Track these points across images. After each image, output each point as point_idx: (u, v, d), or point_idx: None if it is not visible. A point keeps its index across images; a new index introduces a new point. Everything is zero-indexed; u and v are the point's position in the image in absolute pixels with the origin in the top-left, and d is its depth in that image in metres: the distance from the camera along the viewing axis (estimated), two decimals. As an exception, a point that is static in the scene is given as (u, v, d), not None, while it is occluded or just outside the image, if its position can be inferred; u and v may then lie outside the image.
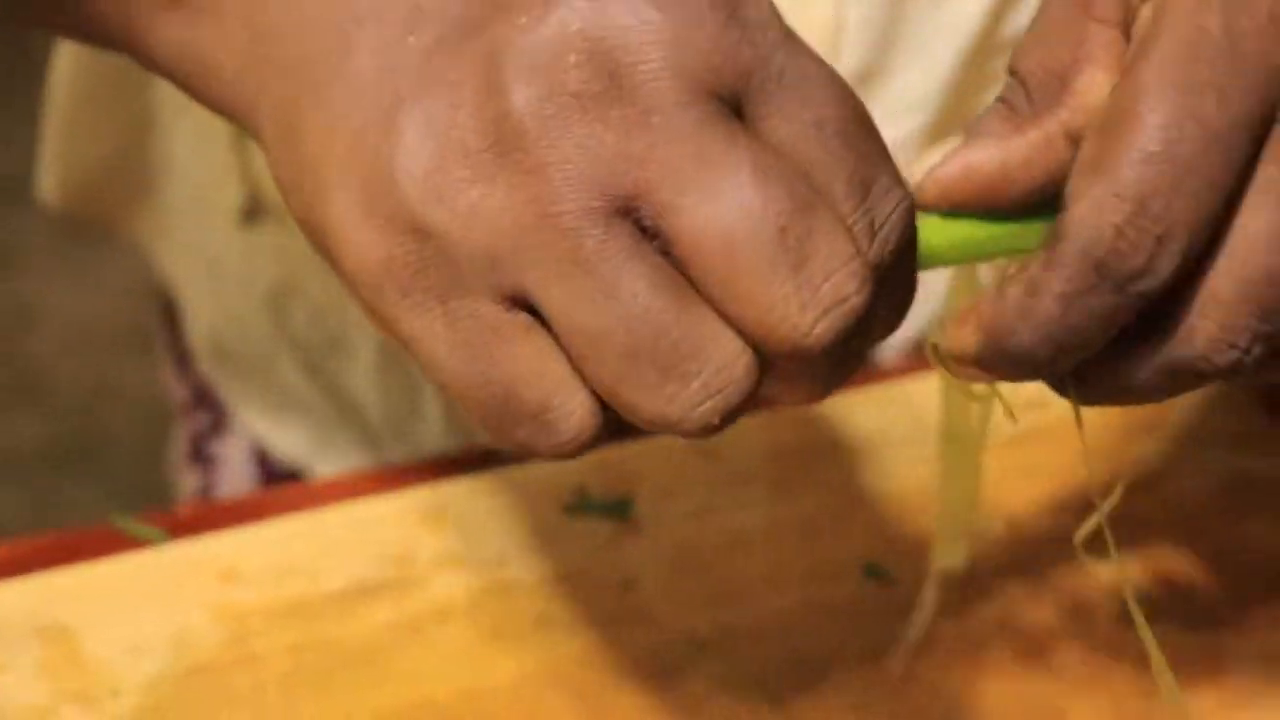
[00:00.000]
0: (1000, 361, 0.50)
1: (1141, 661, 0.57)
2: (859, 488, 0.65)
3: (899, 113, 0.72)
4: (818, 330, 0.44)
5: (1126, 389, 0.51)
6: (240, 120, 0.50)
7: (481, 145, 0.44)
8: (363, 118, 0.46)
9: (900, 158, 0.73)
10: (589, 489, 0.69)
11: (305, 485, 0.71)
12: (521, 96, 0.44)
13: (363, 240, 0.45)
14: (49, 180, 0.91)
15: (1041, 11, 0.52)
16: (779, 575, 0.67)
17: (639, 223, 0.44)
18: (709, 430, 0.45)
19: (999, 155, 0.50)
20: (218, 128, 0.81)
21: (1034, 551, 0.68)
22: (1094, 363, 0.50)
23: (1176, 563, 0.68)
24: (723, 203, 0.44)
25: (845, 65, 0.70)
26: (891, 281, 0.47)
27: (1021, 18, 0.71)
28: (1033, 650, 0.65)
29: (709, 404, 0.45)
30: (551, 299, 0.44)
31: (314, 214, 0.46)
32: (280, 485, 0.86)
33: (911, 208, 0.47)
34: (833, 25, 0.69)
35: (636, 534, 0.68)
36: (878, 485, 0.70)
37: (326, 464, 0.86)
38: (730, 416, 0.45)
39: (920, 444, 0.70)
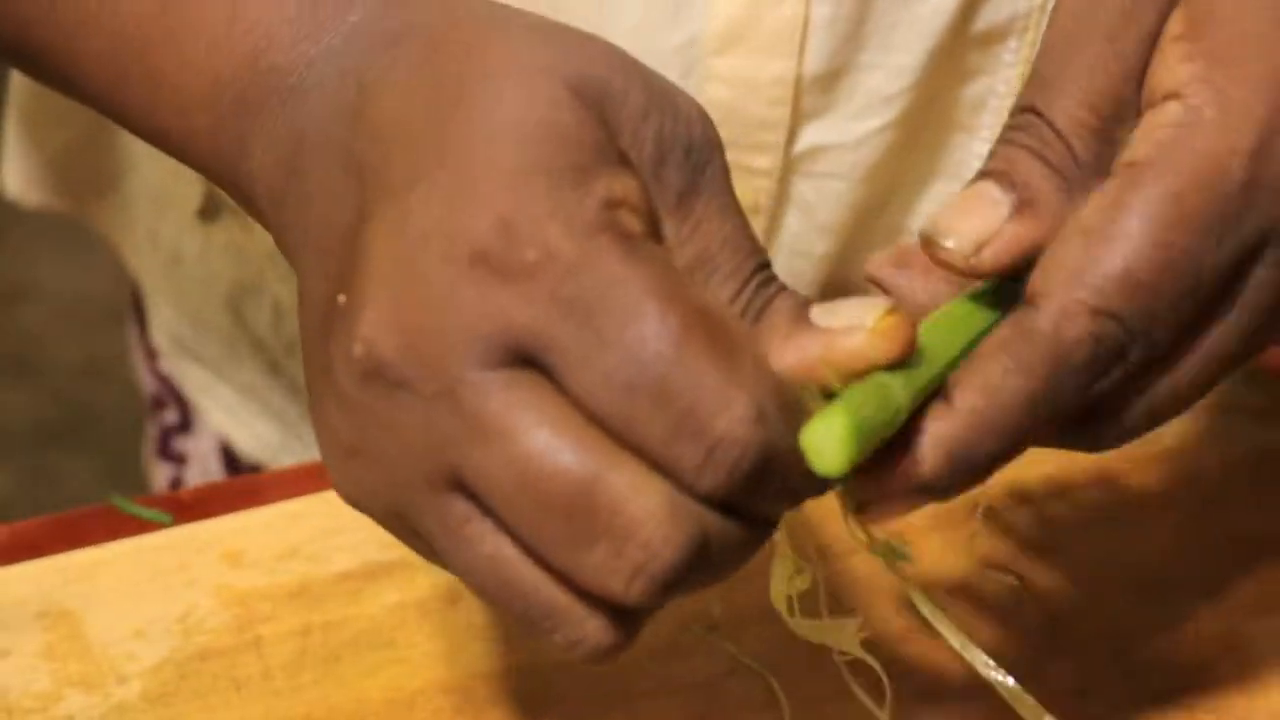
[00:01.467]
0: (954, 481, 0.48)
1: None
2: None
3: (867, 110, 0.71)
4: (634, 592, 0.44)
5: (1106, 440, 0.52)
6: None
7: (337, 429, 0.46)
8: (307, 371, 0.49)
9: (867, 156, 0.72)
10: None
11: (310, 466, 0.70)
12: (344, 383, 0.45)
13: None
14: (12, 172, 0.90)
15: (1062, 47, 0.51)
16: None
17: (474, 497, 0.45)
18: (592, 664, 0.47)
19: (1055, 232, 0.50)
20: None
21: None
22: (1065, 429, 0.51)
23: (1197, 538, 0.67)
24: (514, 481, 0.44)
25: (811, 63, 0.70)
26: (764, 487, 0.45)
27: (991, 13, 0.70)
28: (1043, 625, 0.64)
29: (582, 653, 0.46)
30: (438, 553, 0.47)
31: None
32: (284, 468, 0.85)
33: (747, 411, 0.44)
34: (799, 23, 0.68)
35: (647, 513, 0.67)
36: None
37: (292, 461, 0.85)
38: (607, 657, 0.46)
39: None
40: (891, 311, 0.46)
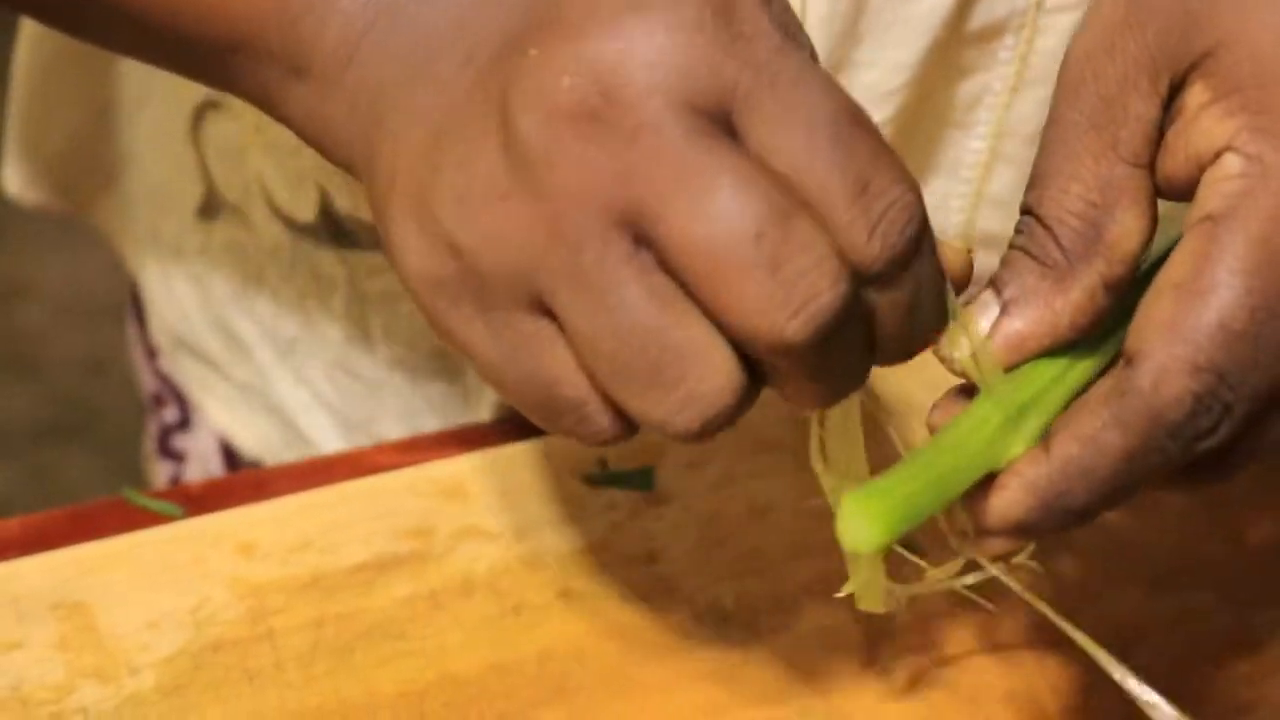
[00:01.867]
0: (1048, 524, 0.51)
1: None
2: (882, 455, 0.63)
3: (864, 106, 0.71)
4: (793, 327, 0.46)
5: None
6: (355, 172, 0.54)
7: (497, 171, 0.47)
8: (417, 147, 0.50)
9: None
10: (611, 460, 0.68)
11: (322, 458, 0.70)
12: (525, 123, 0.47)
13: (414, 260, 0.49)
14: (12, 171, 0.90)
15: (1054, 144, 0.53)
16: (803, 545, 0.66)
17: (639, 234, 0.47)
18: (692, 436, 0.48)
19: (1047, 323, 0.52)
20: (176, 123, 0.81)
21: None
22: None
23: (1203, 538, 0.68)
24: (703, 213, 0.46)
25: None
26: (901, 278, 0.48)
27: (987, 10, 0.70)
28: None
29: (689, 412, 0.48)
30: (559, 308, 0.48)
31: (386, 236, 0.51)
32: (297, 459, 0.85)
33: (914, 200, 0.48)
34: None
35: (659, 505, 0.67)
36: (901, 452, 0.69)
37: (292, 458, 0.85)
38: (711, 425, 0.48)
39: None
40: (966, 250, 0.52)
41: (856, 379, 0.50)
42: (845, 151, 0.47)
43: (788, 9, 0.49)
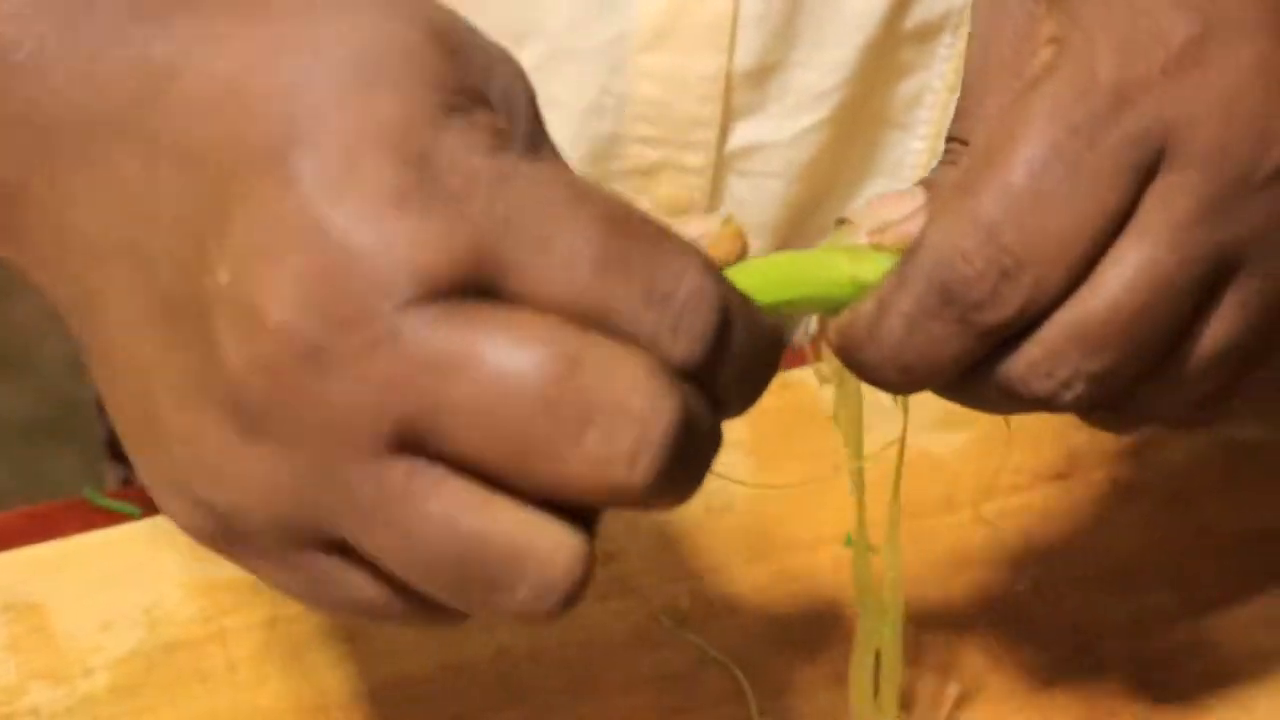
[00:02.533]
0: (857, 370, 0.50)
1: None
2: (840, 456, 0.63)
3: (799, 107, 0.71)
4: (640, 471, 0.40)
5: (976, 399, 0.51)
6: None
7: (228, 433, 0.41)
8: (127, 402, 0.44)
9: (801, 153, 0.72)
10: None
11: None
12: (244, 375, 0.40)
13: (177, 518, 0.43)
14: None
15: (973, 81, 0.52)
16: (760, 545, 0.66)
17: (416, 448, 0.40)
18: (556, 618, 0.42)
19: None
20: None
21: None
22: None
23: (1163, 531, 0.67)
24: (483, 400, 0.40)
25: (742, 60, 0.70)
26: (723, 357, 0.43)
27: (924, 9, 0.70)
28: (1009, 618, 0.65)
29: (544, 602, 0.42)
30: (362, 548, 0.42)
31: (144, 483, 0.45)
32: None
33: (702, 278, 0.42)
34: (728, 19, 0.68)
35: (615, 506, 0.67)
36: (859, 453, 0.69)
37: None
38: (573, 600, 0.42)
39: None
40: (727, 222, 0.49)
41: (712, 459, 0.44)
42: (617, 261, 0.41)
43: (505, 88, 0.43)
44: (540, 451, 0.40)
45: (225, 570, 0.64)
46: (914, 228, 0.50)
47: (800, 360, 0.70)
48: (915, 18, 0.70)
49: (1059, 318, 0.48)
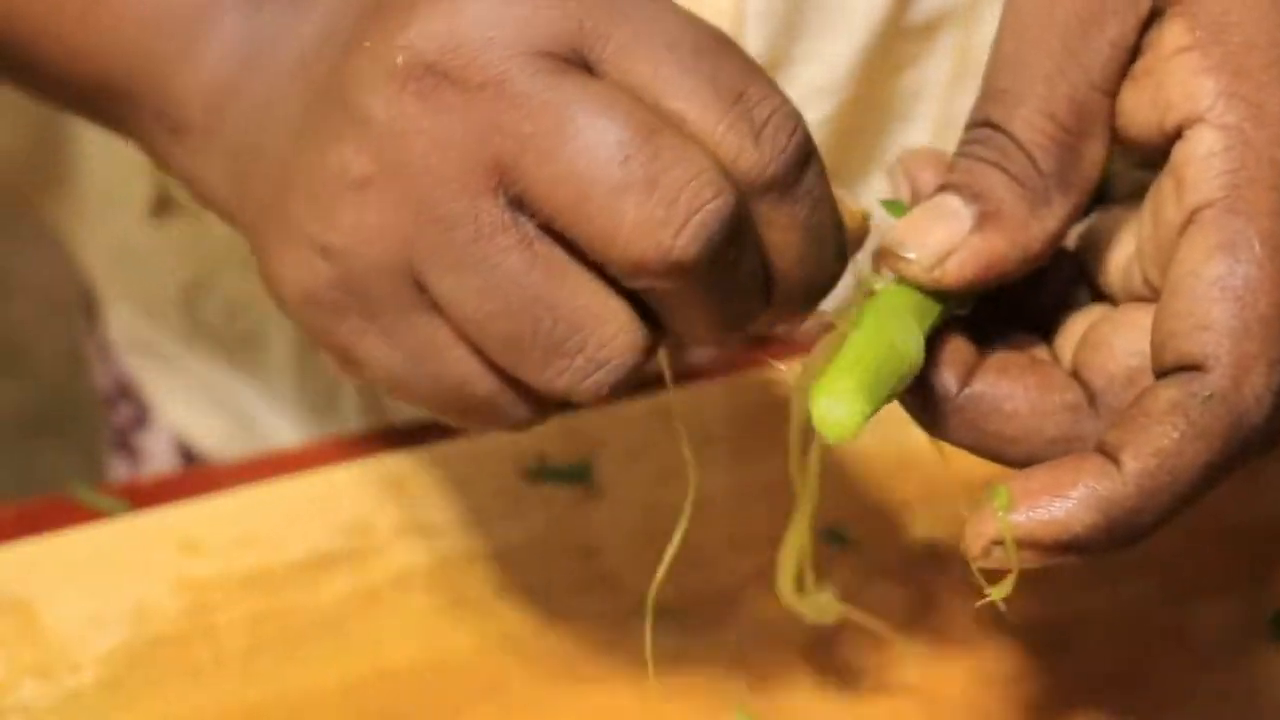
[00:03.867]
0: (1103, 546, 0.47)
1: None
2: (820, 450, 0.64)
3: (805, 100, 0.71)
4: (681, 243, 0.44)
5: None
6: (238, 226, 0.52)
7: (350, 161, 0.46)
8: (273, 175, 0.49)
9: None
10: (550, 455, 0.69)
11: (265, 455, 0.71)
12: (368, 102, 0.45)
13: (289, 279, 0.48)
14: None
15: (1023, 60, 0.50)
16: (742, 538, 0.67)
17: (511, 196, 0.45)
18: (602, 398, 0.46)
19: (1021, 246, 0.49)
20: None
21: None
22: None
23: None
24: (562, 149, 0.44)
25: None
26: (794, 190, 0.46)
27: (927, 3, 0.70)
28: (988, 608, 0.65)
29: (595, 377, 0.46)
30: (444, 295, 0.46)
31: (262, 273, 0.49)
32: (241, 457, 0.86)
33: (797, 111, 0.46)
34: (734, 13, 0.69)
35: (598, 500, 0.68)
36: (839, 448, 0.69)
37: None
38: (620, 385, 0.46)
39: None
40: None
41: (754, 310, 0.47)
42: (712, 63, 0.45)
43: None
44: (603, 206, 0.44)
45: (214, 566, 0.65)
46: (972, 260, 0.49)
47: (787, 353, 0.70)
48: (918, 13, 0.70)
49: None
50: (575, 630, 0.64)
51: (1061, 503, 0.46)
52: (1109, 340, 0.50)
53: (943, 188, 0.50)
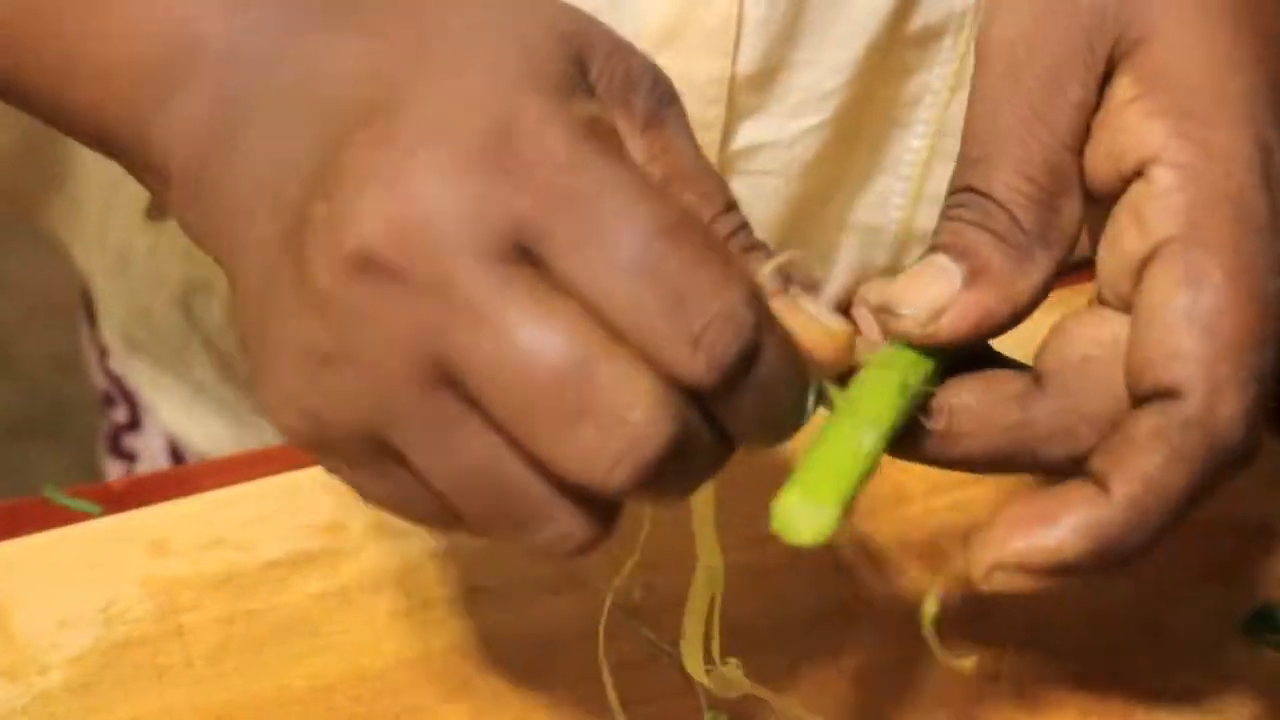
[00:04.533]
0: (1093, 568, 0.49)
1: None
2: (794, 451, 0.64)
3: (801, 108, 0.71)
4: (617, 477, 0.44)
5: None
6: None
7: (315, 335, 0.46)
8: (250, 312, 0.49)
9: (802, 153, 0.73)
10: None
11: (235, 456, 0.71)
12: (325, 283, 0.45)
13: (281, 422, 0.48)
14: None
15: (993, 126, 0.52)
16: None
17: (462, 389, 0.45)
18: (578, 558, 0.47)
19: (1010, 301, 0.51)
20: None
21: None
22: None
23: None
24: (502, 364, 0.44)
25: (745, 62, 0.70)
26: (740, 387, 0.46)
27: (926, 12, 0.70)
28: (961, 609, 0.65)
29: (566, 547, 0.47)
30: (413, 466, 0.47)
31: (258, 394, 0.49)
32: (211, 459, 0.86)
33: (740, 305, 0.45)
34: (733, 22, 0.69)
35: (571, 500, 0.68)
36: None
37: None
38: (589, 550, 0.47)
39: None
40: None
41: (709, 474, 0.48)
42: (652, 267, 0.44)
43: (626, 75, 0.48)
44: (541, 426, 0.44)
45: (185, 567, 0.65)
46: (963, 317, 0.50)
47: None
48: (918, 21, 0.70)
49: None
50: (546, 631, 0.64)
51: (1054, 529, 0.48)
52: (1067, 327, 0.52)
53: (932, 249, 0.52)
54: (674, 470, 0.46)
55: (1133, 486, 0.48)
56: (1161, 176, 0.50)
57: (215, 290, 0.83)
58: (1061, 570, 0.49)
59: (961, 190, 0.52)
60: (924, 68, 0.72)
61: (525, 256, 0.45)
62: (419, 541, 0.66)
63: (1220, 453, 0.49)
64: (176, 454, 0.90)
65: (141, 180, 0.55)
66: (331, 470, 0.49)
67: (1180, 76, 0.51)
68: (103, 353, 0.92)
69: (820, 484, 0.48)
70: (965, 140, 0.52)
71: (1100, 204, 0.52)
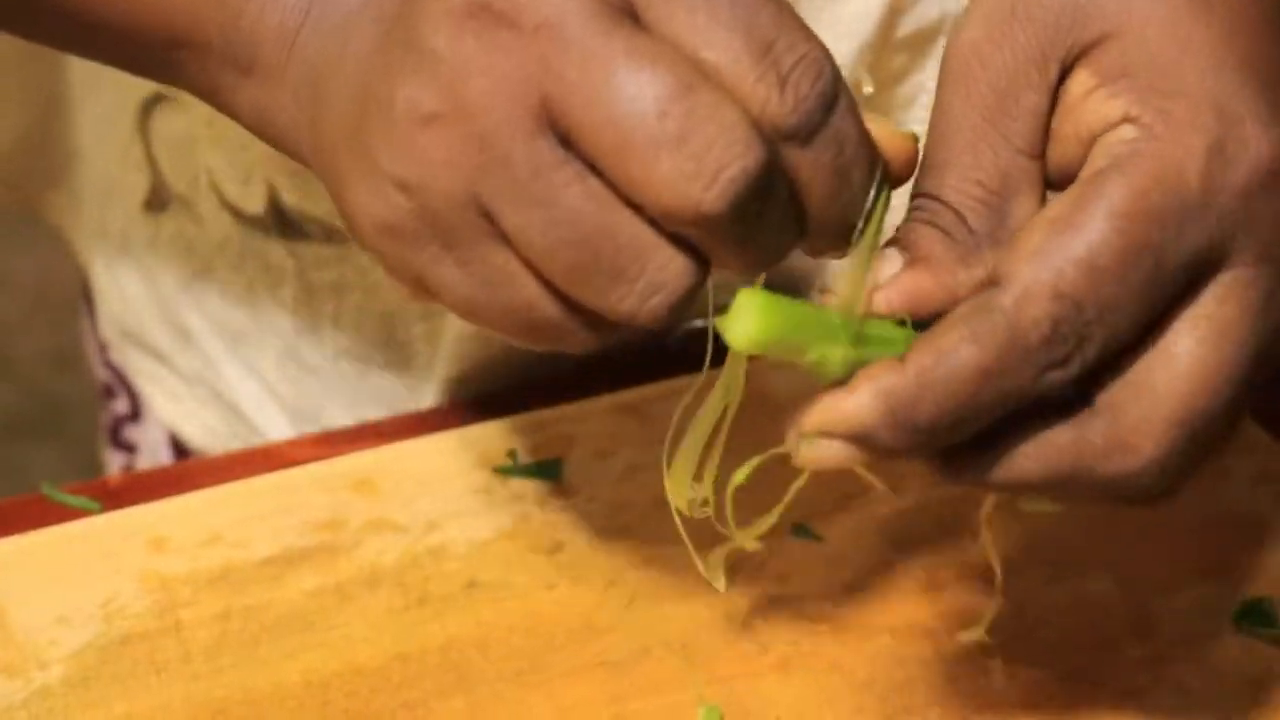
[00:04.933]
0: (891, 437, 0.50)
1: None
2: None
3: None
4: (708, 199, 0.47)
5: (1021, 483, 0.53)
6: (305, 161, 0.55)
7: (418, 96, 0.48)
8: (348, 108, 0.51)
9: None
10: (519, 451, 0.69)
11: (234, 454, 0.71)
12: (433, 39, 0.48)
13: (368, 211, 0.50)
14: None
15: (948, 134, 0.54)
16: (706, 535, 0.67)
17: (560, 136, 0.48)
18: (662, 322, 0.49)
19: (948, 288, 0.52)
20: (123, 116, 0.81)
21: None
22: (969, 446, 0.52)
23: (1106, 518, 0.68)
24: (605, 97, 0.47)
25: None
26: (820, 134, 0.49)
27: (917, 17, 0.71)
28: (950, 604, 0.65)
29: (655, 300, 0.49)
30: (510, 226, 0.49)
31: (340, 205, 0.52)
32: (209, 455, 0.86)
33: (822, 56, 0.49)
34: None
35: (566, 495, 0.68)
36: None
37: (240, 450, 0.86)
38: (678, 308, 0.49)
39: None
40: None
41: (785, 245, 0.50)
42: (746, 15, 0.48)
43: None
44: (640, 156, 0.47)
45: (182, 564, 0.65)
46: (898, 294, 0.52)
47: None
48: (910, 23, 0.71)
49: (1163, 411, 0.51)
50: (541, 625, 0.64)
51: (852, 396, 0.51)
52: (1029, 229, 0.53)
53: (886, 244, 0.54)
54: (759, 203, 0.48)
55: (925, 357, 0.50)
56: (1123, 129, 0.52)
57: (214, 282, 0.83)
58: (862, 438, 0.50)
59: (918, 196, 0.54)
60: (918, 69, 0.73)
61: (628, 10, 0.48)
62: (415, 537, 0.66)
63: (1017, 349, 0.50)
64: (176, 445, 0.91)
65: (206, 83, 0.57)
66: (417, 269, 0.50)
67: (1141, 63, 0.52)
68: (103, 345, 0.93)
69: (772, 315, 0.50)
70: (926, 148, 0.54)
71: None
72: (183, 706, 0.61)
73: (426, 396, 0.79)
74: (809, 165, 0.49)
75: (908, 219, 0.54)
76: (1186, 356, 0.51)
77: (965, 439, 0.51)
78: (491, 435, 0.70)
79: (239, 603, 0.64)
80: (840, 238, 0.51)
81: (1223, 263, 0.51)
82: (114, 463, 0.94)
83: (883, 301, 0.52)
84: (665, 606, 0.65)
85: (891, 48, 0.72)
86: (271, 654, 0.63)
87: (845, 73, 0.71)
